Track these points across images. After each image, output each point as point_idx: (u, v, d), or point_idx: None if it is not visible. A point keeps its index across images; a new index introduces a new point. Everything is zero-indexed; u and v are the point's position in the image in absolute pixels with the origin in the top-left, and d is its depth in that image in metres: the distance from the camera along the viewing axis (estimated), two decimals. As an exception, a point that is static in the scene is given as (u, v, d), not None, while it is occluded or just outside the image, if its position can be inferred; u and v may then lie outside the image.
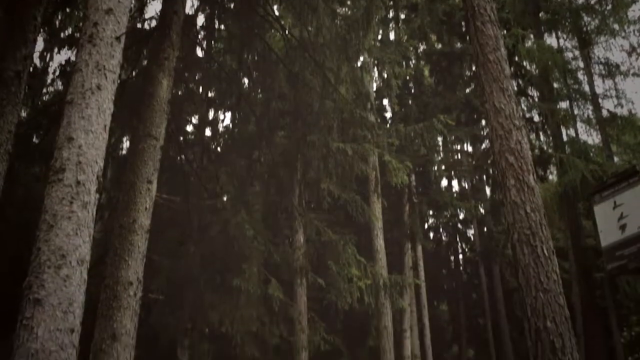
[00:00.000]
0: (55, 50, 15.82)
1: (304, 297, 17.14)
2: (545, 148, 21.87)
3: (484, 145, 26.73)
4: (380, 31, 24.60)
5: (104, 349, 9.10)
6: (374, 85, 24.21)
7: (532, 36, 21.79)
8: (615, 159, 23.85)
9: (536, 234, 7.24)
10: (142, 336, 13.38)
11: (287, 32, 16.37)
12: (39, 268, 5.32)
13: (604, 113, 21.51)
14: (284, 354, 21.12)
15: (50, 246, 5.39)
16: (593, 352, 18.68)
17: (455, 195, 29.30)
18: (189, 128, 19.57)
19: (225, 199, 17.14)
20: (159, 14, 12.54)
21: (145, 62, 14.61)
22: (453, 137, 23.61)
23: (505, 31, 20.11)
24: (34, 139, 15.38)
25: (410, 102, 25.57)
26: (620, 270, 6.06)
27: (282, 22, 17.11)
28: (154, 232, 11.06)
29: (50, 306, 5.21)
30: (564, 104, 22.18)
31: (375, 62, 21.92)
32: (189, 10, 14.86)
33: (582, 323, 20.58)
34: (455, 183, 33.68)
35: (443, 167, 29.69)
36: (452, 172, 30.48)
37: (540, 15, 22.20)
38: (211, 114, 20.54)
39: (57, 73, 15.21)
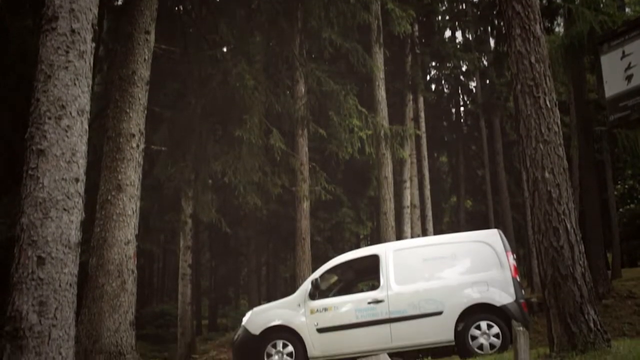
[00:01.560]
0: None
1: (305, 148, 17.32)
2: (553, -3, 21.14)
3: (490, -5, 25.86)
4: None
5: (110, 199, 9.31)
6: None
7: None
8: (627, 10, 23.12)
9: (539, 85, 7.15)
10: (147, 187, 13.68)
11: None
12: (39, 119, 5.31)
13: (620, -42, 20.57)
14: (286, 203, 21.70)
15: (49, 97, 5.34)
16: (588, 203, 19.13)
17: (458, 46, 28.79)
18: (186, -25, 18.85)
19: (225, 49, 16.83)
20: None
21: None
22: (459, -14, 22.79)
23: None
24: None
25: (415, -54, 24.45)
26: (622, 122, 6.01)
27: None
28: (154, 84, 10.96)
29: (54, 156, 5.25)
30: (576, -51, 21.13)
31: None
32: None
33: (579, 176, 20.93)
34: (459, 34, 32.97)
35: (447, 17, 28.95)
36: (456, 23, 29.78)
37: None
38: (208, -40, 19.71)
39: None
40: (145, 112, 10.02)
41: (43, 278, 4.94)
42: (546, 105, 7.11)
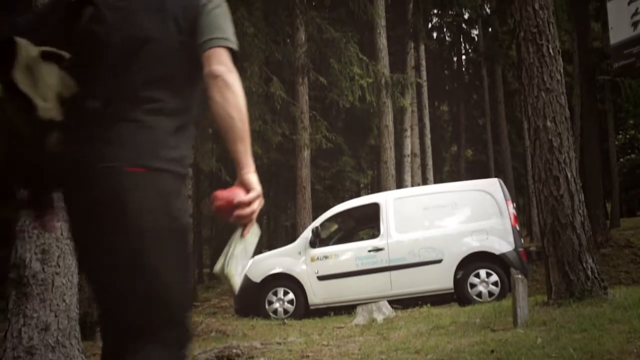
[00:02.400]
0: None
1: (305, 96, 17.18)
2: (559, -60, 20.65)
3: (494, -61, 25.33)
4: None
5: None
6: None
7: None
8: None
9: (543, 33, 7.06)
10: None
11: None
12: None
13: None
14: (286, 152, 21.67)
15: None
16: (588, 153, 19.09)
17: (461, -8, 28.31)
18: None
19: (224, -4, 16.54)
20: None
21: None
22: None
23: None
24: None
25: None
26: (626, 69, 5.95)
27: None
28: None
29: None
30: None
31: None
32: None
33: (580, 125, 20.83)
34: (462, -20, 32.43)
35: (450, -37, 28.42)
36: (459, -31, 29.24)
37: None
38: None
39: None
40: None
41: (45, 226, 4.96)
42: (549, 53, 7.03)
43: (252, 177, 1.91)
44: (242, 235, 1.92)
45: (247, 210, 1.88)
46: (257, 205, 1.90)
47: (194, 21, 2.01)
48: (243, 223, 1.90)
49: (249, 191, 1.89)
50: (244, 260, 1.93)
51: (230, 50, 2.06)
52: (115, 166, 1.81)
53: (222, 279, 1.87)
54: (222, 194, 1.89)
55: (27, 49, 1.78)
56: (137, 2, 2.00)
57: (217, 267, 1.85)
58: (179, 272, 1.91)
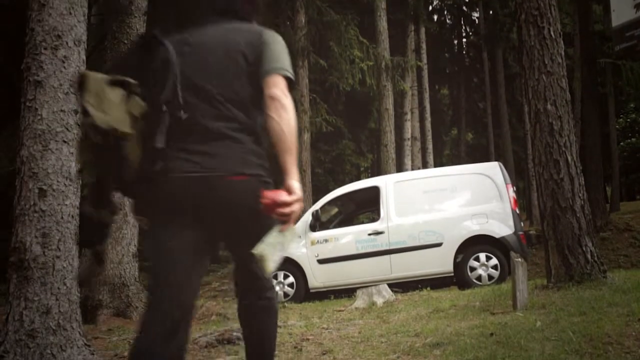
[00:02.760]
0: None
1: (305, 79, 17.13)
2: None
3: None
4: None
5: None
6: None
7: None
8: None
9: (544, 15, 7.01)
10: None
11: None
12: (35, 49, 5.20)
13: None
14: (286, 136, 21.59)
15: (44, 26, 5.21)
16: (589, 136, 19.07)
17: (462, -25, 28.19)
18: None
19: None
20: None
21: None
22: None
23: None
24: None
25: None
26: (628, 52, 5.92)
27: None
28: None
29: (51, 88, 5.16)
30: None
31: None
32: None
33: (581, 109, 20.79)
34: (462, -38, 32.26)
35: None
36: (461, -50, 29.07)
37: None
38: None
39: None
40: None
41: (45, 210, 4.94)
42: (550, 35, 6.99)
43: (295, 183, 2.34)
44: (281, 231, 2.31)
45: (287, 210, 2.27)
46: (296, 207, 2.31)
47: (259, 54, 2.49)
48: (283, 220, 2.30)
49: (291, 195, 2.29)
50: (279, 252, 2.33)
51: (286, 78, 2.47)
52: (219, 176, 2.35)
53: (257, 258, 2.27)
54: (269, 194, 2.30)
55: (95, 78, 2.22)
56: (210, 39, 2.54)
57: (257, 248, 2.26)
58: None
